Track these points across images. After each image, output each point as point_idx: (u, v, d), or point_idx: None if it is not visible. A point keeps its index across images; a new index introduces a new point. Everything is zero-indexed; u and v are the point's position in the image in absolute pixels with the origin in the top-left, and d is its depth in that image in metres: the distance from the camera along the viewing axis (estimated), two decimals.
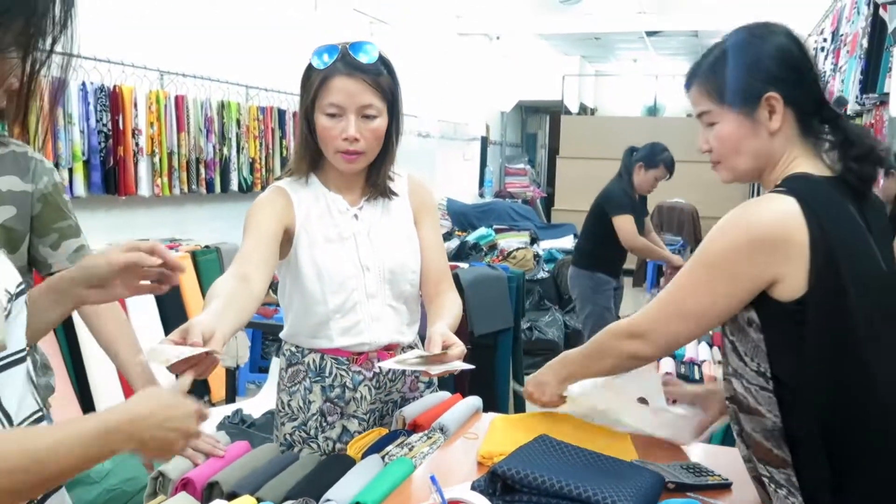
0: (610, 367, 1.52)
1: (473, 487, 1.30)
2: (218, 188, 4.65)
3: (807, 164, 1.31)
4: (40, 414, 1.03)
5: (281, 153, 5.19)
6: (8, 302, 0.93)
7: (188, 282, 3.97)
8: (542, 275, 6.33)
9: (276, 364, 3.03)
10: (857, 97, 3.14)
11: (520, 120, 12.47)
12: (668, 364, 2.64)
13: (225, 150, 4.69)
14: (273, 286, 2.06)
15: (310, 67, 1.69)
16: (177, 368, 1.13)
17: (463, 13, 8.79)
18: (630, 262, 5.23)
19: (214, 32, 4.68)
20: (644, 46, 10.84)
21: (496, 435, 1.64)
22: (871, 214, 1.32)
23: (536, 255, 6.60)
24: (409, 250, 1.83)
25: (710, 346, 2.97)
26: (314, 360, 1.80)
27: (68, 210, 1.70)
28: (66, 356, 3.27)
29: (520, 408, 4.26)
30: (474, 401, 1.91)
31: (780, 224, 1.21)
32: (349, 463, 1.53)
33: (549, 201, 10.50)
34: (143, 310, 3.61)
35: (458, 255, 5.96)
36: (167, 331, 3.79)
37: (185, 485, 1.45)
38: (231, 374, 3.65)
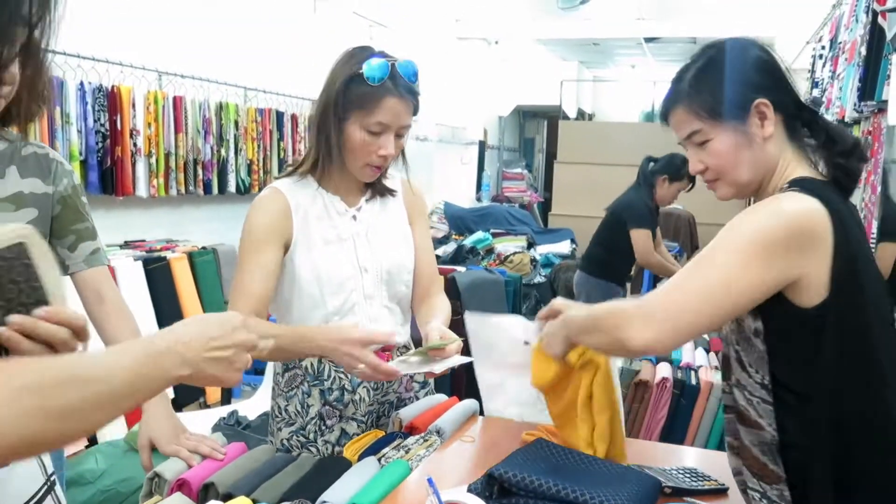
0: (597, 344, 1.37)
1: (470, 490, 1.30)
2: (215, 189, 4.64)
3: (801, 167, 1.31)
4: None
5: (279, 155, 5.19)
6: None
7: (185, 284, 3.96)
8: (538, 279, 6.33)
9: (270, 367, 3.02)
10: (855, 105, 3.14)
11: (518, 124, 12.48)
12: (664, 369, 2.64)
13: (223, 152, 4.68)
14: None
15: (356, 79, 1.67)
16: None
17: (462, 17, 8.80)
18: None
19: (213, 33, 4.68)
20: (642, 52, 10.86)
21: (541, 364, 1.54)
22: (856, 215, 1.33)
23: (533, 260, 6.61)
24: (404, 251, 1.85)
25: (708, 351, 2.97)
26: (312, 364, 1.79)
27: (86, 212, 1.71)
28: None
29: None
30: (471, 404, 1.91)
31: (811, 219, 1.18)
32: (345, 465, 1.52)
33: (546, 206, 10.50)
34: (140, 312, 3.60)
35: (455, 258, 5.96)
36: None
37: (181, 485, 1.45)
38: None
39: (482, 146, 9.84)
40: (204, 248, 4.25)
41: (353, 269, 1.77)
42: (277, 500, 1.37)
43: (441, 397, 1.94)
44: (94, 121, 3.82)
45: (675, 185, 4.21)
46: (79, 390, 0.78)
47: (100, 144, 3.86)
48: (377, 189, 1.84)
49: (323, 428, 1.79)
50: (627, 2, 8.07)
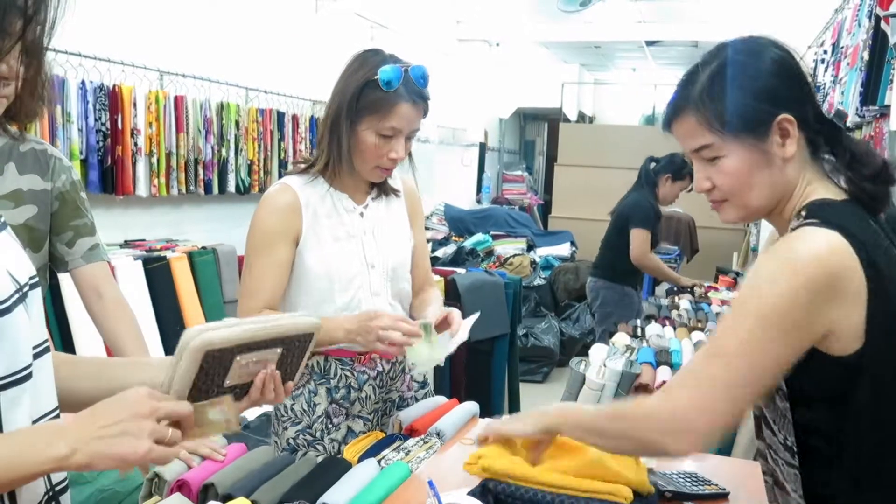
0: (616, 448, 1.27)
1: (471, 494, 1.29)
2: (216, 189, 4.63)
3: (820, 188, 1.18)
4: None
5: (279, 156, 5.18)
6: (16, 292, 0.91)
7: (184, 283, 3.95)
8: (538, 281, 6.33)
9: None
10: (857, 109, 3.14)
11: (518, 127, 12.48)
12: (665, 373, 2.63)
13: (223, 152, 4.67)
14: None
15: (371, 84, 1.69)
16: None
17: (463, 19, 8.80)
18: None
19: (215, 34, 4.67)
20: (643, 56, 10.86)
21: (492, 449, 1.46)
22: (888, 227, 1.20)
23: (533, 262, 6.60)
24: (407, 249, 1.90)
25: None
26: (318, 363, 1.81)
27: (85, 208, 1.71)
28: (56, 334, 3.23)
29: (515, 412, 4.25)
30: (471, 406, 1.91)
31: (833, 262, 1.05)
32: (345, 466, 1.52)
33: (546, 208, 10.50)
34: (139, 312, 3.59)
35: (454, 260, 5.95)
36: (162, 332, 3.78)
37: (181, 486, 1.45)
38: None
39: (482, 148, 9.84)
40: (204, 247, 4.24)
41: (361, 265, 1.79)
42: (277, 502, 1.36)
43: (441, 399, 1.94)
44: (95, 120, 3.81)
45: (677, 184, 4.24)
46: None
47: (100, 143, 3.86)
48: (383, 188, 1.87)
49: (329, 426, 1.80)
50: (629, 5, 8.06)
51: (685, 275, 4.83)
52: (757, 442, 1.27)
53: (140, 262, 3.69)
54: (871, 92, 3.04)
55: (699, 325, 3.24)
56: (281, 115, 5.23)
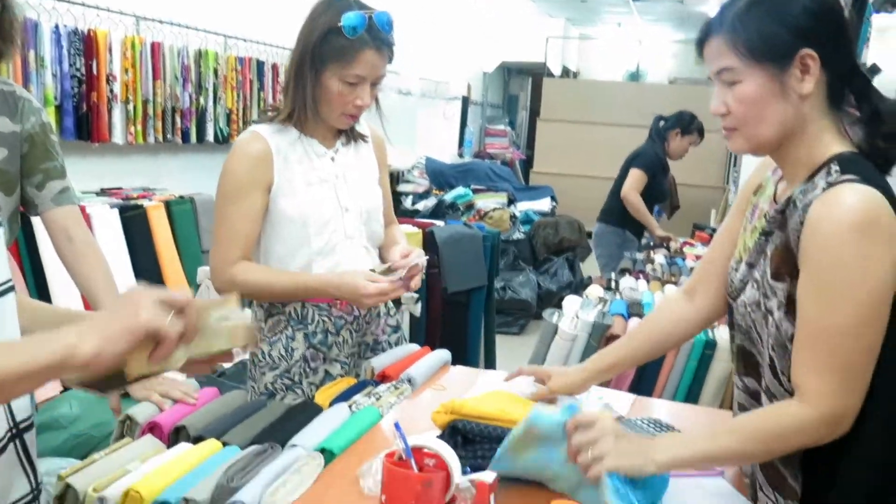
0: (746, 459, 1.28)
1: (440, 437, 1.31)
2: (194, 138, 4.59)
3: (833, 139, 1.19)
4: None
5: (258, 105, 5.13)
6: None
7: (161, 232, 3.93)
8: (517, 235, 6.35)
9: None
10: None
11: (502, 81, 12.38)
12: (636, 324, 2.67)
13: (201, 100, 4.62)
14: None
15: (334, 31, 1.68)
16: None
17: None
18: None
19: None
20: (629, 11, 10.77)
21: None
22: None
23: (513, 216, 6.62)
24: (379, 194, 1.93)
25: None
26: (295, 309, 1.83)
27: (56, 151, 1.69)
28: (30, 280, 3.22)
29: (490, 364, 4.31)
30: (443, 354, 1.93)
31: (883, 214, 1.09)
32: (316, 410, 1.54)
33: (528, 163, 10.49)
34: (115, 261, 3.58)
35: (434, 213, 5.95)
36: (138, 279, 3.75)
37: (152, 428, 1.46)
38: None
39: (465, 102, 9.77)
40: (182, 197, 4.21)
41: (335, 209, 1.81)
42: (247, 444, 1.38)
43: (413, 347, 1.97)
44: (70, 65, 3.75)
45: (686, 139, 4.56)
46: None
47: (75, 89, 3.80)
48: (351, 135, 1.88)
49: (307, 370, 1.83)
50: None
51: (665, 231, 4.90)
52: (738, 393, 1.30)
53: (116, 211, 3.67)
54: None
55: (672, 279, 3.28)
56: (260, 64, 5.17)
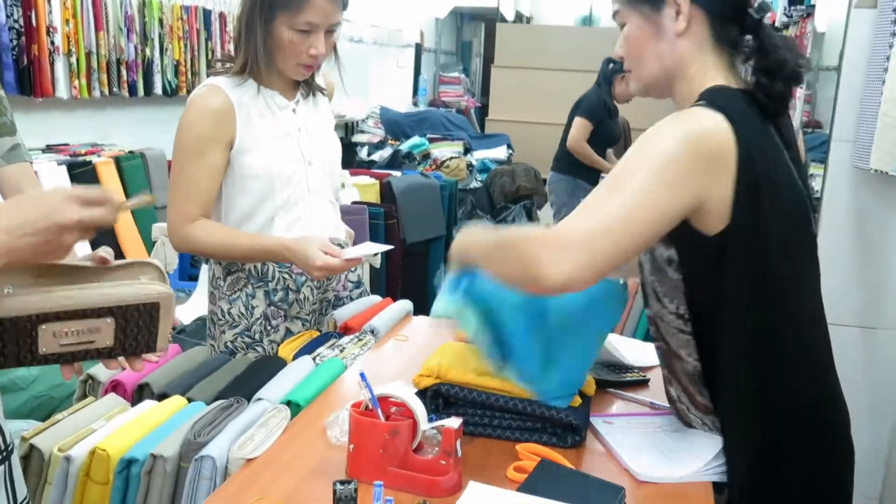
0: (505, 275, 1.18)
1: (419, 394, 1.30)
2: (141, 91, 4.46)
3: (720, 75, 1.20)
4: None
5: (207, 55, 4.99)
6: None
7: (112, 188, 3.85)
8: (474, 184, 6.35)
9: (205, 272, 3.00)
10: (785, 9, 3.18)
11: (455, 27, 12.22)
12: None
13: (147, 52, 4.49)
14: None
15: None
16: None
17: None
18: None
19: None
20: None
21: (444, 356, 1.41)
22: (784, 128, 1.24)
23: (469, 165, 6.60)
24: (337, 145, 1.91)
25: None
26: (255, 267, 1.81)
27: (3, 106, 1.63)
28: None
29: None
30: (405, 304, 1.95)
31: (714, 139, 1.10)
32: (280, 364, 1.55)
33: (483, 111, 10.43)
34: None
35: (390, 163, 5.91)
36: (91, 241, 3.68)
37: (115, 387, 1.46)
38: None
39: (419, 49, 9.64)
40: (132, 152, 4.12)
41: (298, 162, 1.79)
42: (213, 399, 1.39)
43: (375, 298, 1.97)
44: (7, 16, 3.61)
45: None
46: None
47: (14, 42, 3.66)
48: (310, 86, 1.85)
49: (268, 328, 1.82)
50: None
51: None
52: (646, 311, 1.33)
53: (64, 168, 3.58)
54: None
55: None
56: (207, 13, 5.02)
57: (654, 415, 1.41)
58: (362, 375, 1.17)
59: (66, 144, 4.05)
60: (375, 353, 1.69)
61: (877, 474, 2.34)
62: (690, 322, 1.22)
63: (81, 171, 3.66)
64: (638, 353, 1.67)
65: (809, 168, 3.85)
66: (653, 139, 1.13)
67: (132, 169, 4.01)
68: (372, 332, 1.75)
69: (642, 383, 1.56)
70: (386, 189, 4.09)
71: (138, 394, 1.46)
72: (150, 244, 3.62)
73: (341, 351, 1.63)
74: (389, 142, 6.80)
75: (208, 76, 1.79)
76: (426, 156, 6.50)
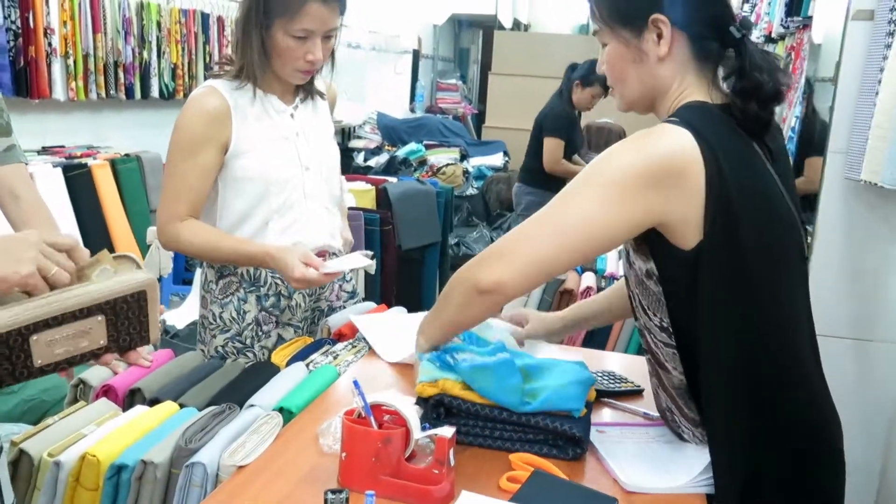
0: (455, 303, 1.25)
1: (418, 403, 1.29)
2: (138, 94, 4.46)
3: (701, 91, 1.21)
4: None
5: (205, 59, 4.99)
6: None
7: (108, 191, 3.84)
8: (470, 191, 6.36)
9: (199, 276, 2.99)
10: (782, 20, 3.18)
11: (453, 34, 12.24)
12: (589, 279, 2.71)
13: (145, 55, 4.48)
14: None
15: None
16: None
17: None
18: None
19: None
20: None
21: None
22: (770, 140, 1.23)
23: (466, 172, 6.61)
24: (336, 151, 1.90)
25: None
26: (248, 271, 1.80)
27: (0, 108, 1.63)
28: None
29: None
30: (399, 311, 1.94)
31: (676, 158, 1.10)
32: (273, 370, 1.54)
33: (480, 118, 10.44)
34: (60, 222, 3.48)
35: (387, 169, 5.92)
36: (86, 244, 3.66)
37: (107, 391, 1.45)
38: None
39: (416, 55, 9.65)
40: (127, 155, 4.11)
41: (295, 166, 1.79)
42: (205, 405, 1.38)
43: (370, 305, 1.97)
44: (5, 17, 3.60)
45: (587, 91, 4.39)
46: None
47: (12, 43, 3.66)
48: (309, 91, 1.85)
49: (260, 333, 1.82)
50: None
51: None
52: (636, 323, 1.33)
53: (60, 170, 3.56)
54: (796, 3, 3.08)
55: None
56: (205, 17, 5.02)
57: (648, 425, 1.40)
58: (355, 383, 1.16)
59: (62, 146, 4.04)
60: (369, 360, 1.68)
61: (871, 486, 2.34)
62: (674, 335, 1.22)
63: (77, 174, 3.65)
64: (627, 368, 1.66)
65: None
66: (613, 154, 1.15)
67: (128, 172, 4.00)
68: (365, 339, 1.74)
69: (636, 393, 1.55)
70: (382, 195, 4.08)
71: (130, 399, 1.45)
72: (144, 248, 3.61)
73: (335, 358, 1.63)
74: (386, 148, 6.80)
75: (206, 78, 1.79)
76: (422, 162, 6.51)
